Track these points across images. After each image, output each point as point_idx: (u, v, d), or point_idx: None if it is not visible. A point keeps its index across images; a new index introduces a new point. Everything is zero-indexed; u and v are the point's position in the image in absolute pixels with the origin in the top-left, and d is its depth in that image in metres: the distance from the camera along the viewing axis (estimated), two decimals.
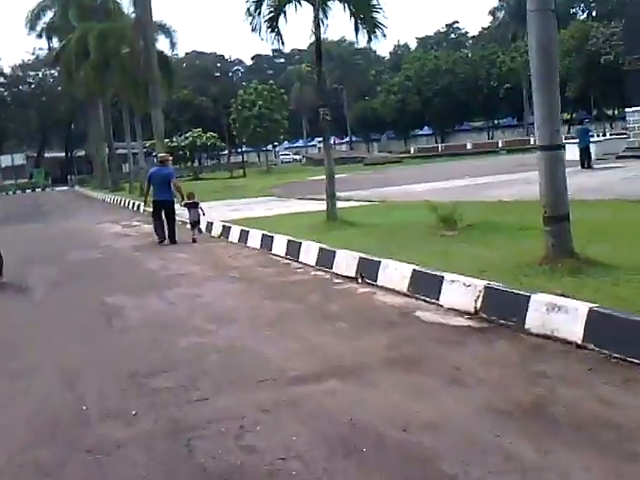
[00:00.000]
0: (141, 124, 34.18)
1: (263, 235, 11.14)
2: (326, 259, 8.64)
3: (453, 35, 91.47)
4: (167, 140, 36.99)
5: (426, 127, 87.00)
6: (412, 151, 69.84)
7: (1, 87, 73.56)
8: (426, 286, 6.40)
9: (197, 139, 55.80)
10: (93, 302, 7.74)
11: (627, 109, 28.80)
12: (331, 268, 8.41)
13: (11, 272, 10.65)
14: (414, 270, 6.71)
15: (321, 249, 8.91)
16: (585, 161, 24.10)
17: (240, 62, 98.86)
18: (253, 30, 11.84)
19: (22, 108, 72.30)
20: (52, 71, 69.20)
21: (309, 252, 9.20)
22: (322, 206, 17.10)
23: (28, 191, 61.00)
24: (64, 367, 5.30)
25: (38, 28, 46.77)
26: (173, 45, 31.26)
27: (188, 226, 13.54)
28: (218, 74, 69.40)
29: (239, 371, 4.84)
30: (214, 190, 30.75)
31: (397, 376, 4.49)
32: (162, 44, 30.98)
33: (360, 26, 11.91)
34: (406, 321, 5.80)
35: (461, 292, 5.96)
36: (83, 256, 12.10)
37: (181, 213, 13.88)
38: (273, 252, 10.44)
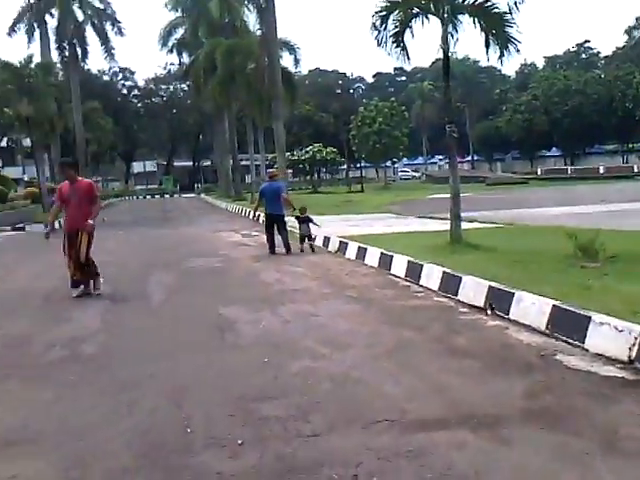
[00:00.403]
0: (264, 137, 34.95)
1: (382, 253, 10.66)
2: (450, 285, 8.01)
3: (584, 55, 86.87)
4: (288, 153, 37.60)
5: (554, 148, 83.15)
6: (539, 172, 66.81)
7: (135, 99, 78.48)
8: (569, 326, 5.63)
9: (317, 153, 56.61)
10: (208, 313, 7.59)
11: None
12: (455, 295, 7.78)
13: (133, 276, 10.93)
14: (555, 306, 5.94)
15: (445, 273, 8.28)
16: None
17: (361, 79, 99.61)
18: (379, 45, 11.46)
19: (154, 119, 76.81)
20: (182, 85, 73.05)
21: (431, 275, 8.60)
22: (444, 226, 16.43)
23: (157, 196, 64.44)
24: (174, 382, 5.08)
25: (170, 44, 49.40)
26: (297, 62, 31.77)
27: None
28: (339, 91, 70.04)
29: (354, 406, 4.37)
30: (332, 204, 30.75)
31: (538, 433, 3.83)
32: (286, 61, 31.49)
33: (491, 41, 11.18)
34: (546, 365, 5.08)
35: (612, 336, 5.16)
36: (202, 263, 12.19)
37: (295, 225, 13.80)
38: (392, 272, 9.93)
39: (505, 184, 54.74)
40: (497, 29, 11.14)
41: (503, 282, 7.24)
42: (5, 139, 63.59)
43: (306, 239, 13.51)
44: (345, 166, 69.33)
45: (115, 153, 73.94)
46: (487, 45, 11.26)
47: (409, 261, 9.48)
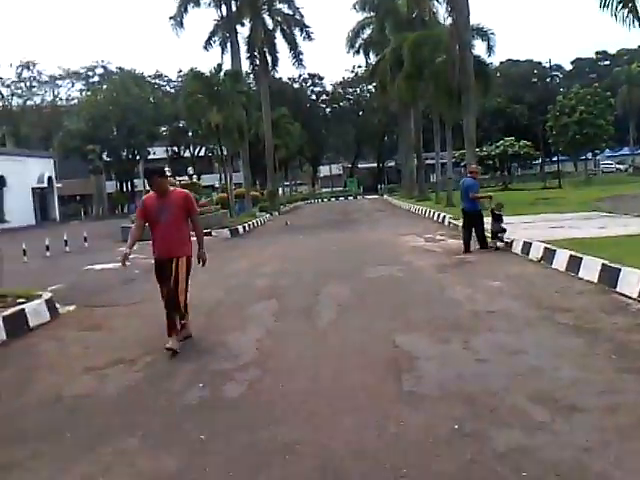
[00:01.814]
0: (452, 134, 32.91)
1: (603, 265, 8.44)
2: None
3: None
4: (477, 149, 35.06)
5: None
6: None
7: (323, 104, 79.88)
8: None
9: (509, 148, 52.92)
10: (383, 342, 6.17)
11: None
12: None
13: (305, 289, 9.89)
14: None
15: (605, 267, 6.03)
16: None
17: (558, 68, 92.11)
18: (602, 5, 9.24)
19: (340, 123, 77.60)
20: (369, 87, 72.87)
21: None
22: None
23: (341, 198, 64.83)
24: (323, 453, 3.72)
25: (357, 45, 49.04)
26: (490, 49, 29.02)
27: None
28: (535, 80, 65.05)
29: None
30: (526, 202, 27.85)
31: None
32: (478, 49, 29.14)
33: None
34: None
35: None
36: (381, 273, 10.83)
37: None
38: (618, 290, 7.73)
39: None
40: None
41: None
42: (204, 149, 68.60)
43: (499, 237, 13.23)
44: (539, 160, 64.34)
45: (303, 158, 76.02)
46: None
47: (604, 264, 7.25)
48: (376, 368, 5.35)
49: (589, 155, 66.17)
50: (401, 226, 22.11)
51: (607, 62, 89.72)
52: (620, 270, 7.90)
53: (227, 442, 4.01)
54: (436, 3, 37.83)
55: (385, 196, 59.29)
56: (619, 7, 9.20)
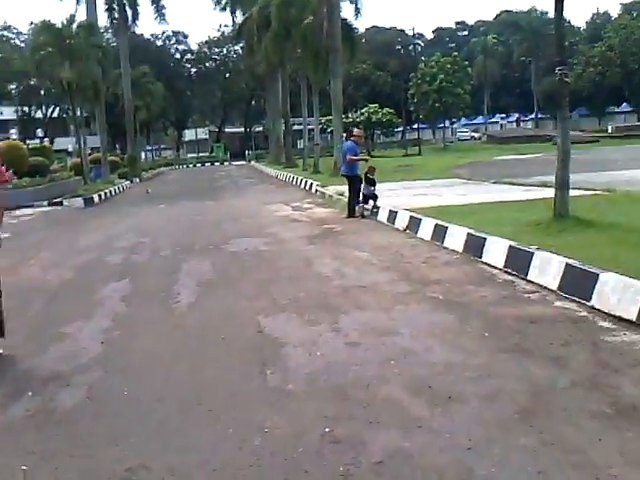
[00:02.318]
0: (318, 99, 32.65)
1: (468, 234, 8.42)
2: (578, 284, 5.77)
3: None
4: (342, 116, 35.14)
5: (625, 104, 77.51)
6: (609, 130, 62.23)
7: (188, 64, 76.74)
8: None
9: (373, 115, 53.84)
10: (246, 327, 5.61)
11: None
12: (588, 300, 5.54)
13: (163, 266, 9.08)
14: None
15: (569, 267, 6.03)
16: None
17: (420, 36, 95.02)
18: None
19: (207, 84, 75.00)
20: (236, 47, 70.82)
21: (546, 268, 6.36)
22: (531, 193, 14.00)
23: (207, 164, 63.09)
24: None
25: (223, 1, 47.19)
26: (358, 11, 28.78)
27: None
28: (399, 47, 66.45)
29: None
30: (390, 170, 28.32)
31: None
32: (346, 12, 28.85)
33: None
34: None
35: None
36: (245, 246, 10.24)
37: None
38: (484, 260, 7.71)
39: (574, 143, 50.66)
40: None
41: None
42: (58, 109, 63.42)
43: (370, 201, 13.07)
44: (401, 128, 66.20)
45: (167, 121, 72.82)
46: None
47: (510, 246, 7.23)
48: (238, 361, 4.78)
49: (447, 123, 69.16)
50: (268, 194, 21.60)
51: (465, 32, 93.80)
52: (485, 240, 7.88)
53: (55, 472, 3.28)
54: None
55: (253, 162, 58.39)
56: None
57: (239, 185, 28.86)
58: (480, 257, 7.82)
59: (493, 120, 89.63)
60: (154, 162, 61.58)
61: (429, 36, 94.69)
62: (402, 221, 11.07)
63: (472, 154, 42.37)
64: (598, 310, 5.37)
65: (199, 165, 63.62)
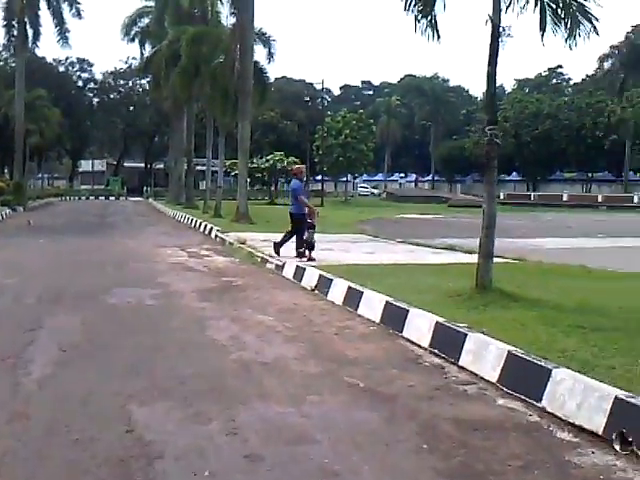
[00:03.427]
0: (225, 141, 31.57)
1: (387, 304, 7.45)
2: (524, 379, 4.87)
3: (554, 80, 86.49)
4: (248, 160, 34.20)
5: (514, 173, 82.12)
6: (501, 196, 65.19)
7: (91, 93, 73.70)
8: None
9: (278, 162, 53.24)
10: (112, 422, 4.22)
11: None
12: (538, 401, 4.63)
13: (22, 318, 7.45)
14: None
15: (511, 356, 5.14)
16: None
17: (328, 91, 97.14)
18: (405, 9, 8.39)
19: (108, 115, 72.16)
20: (142, 81, 68.82)
21: (483, 355, 5.44)
22: (441, 257, 13.44)
23: (102, 198, 59.93)
24: None
25: (132, 33, 45.56)
26: (271, 56, 28.09)
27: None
28: (308, 99, 67.03)
29: None
30: None
31: None
32: (258, 56, 28.16)
33: (552, 17, 8.18)
34: None
35: None
36: (128, 299, 8.74)
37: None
38: (406, 336, 6.74)
39: (468, 206, 53.05)
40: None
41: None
42: None
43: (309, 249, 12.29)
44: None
45: (62, 149, 68.94)
46: (543, 26, 8.20)
47: (438, 323, 6.30)
48: (98, 473, 3.42)
49: (349, 177, 70.07)
50: (163, 235, 20.01)
51: (371, 92, 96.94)
52: (407, 311, 6.93)
53: None
54: (219, 3, 36.30)
55: (151, 200, 56.01)
56: (419, 16, 8.36)
57: (133, 223, 26.92)
58: (401, 331, 6.85)
59: (392, 178, 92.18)
60: (44, 191, 57.65)
61: (336, 92, 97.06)
62: (310, 279, 10.00)
63: (374, 210, 42.63)
64: (551, 414, 4.47)
65: (93, 198, 60.28)
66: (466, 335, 5.76)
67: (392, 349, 6.32)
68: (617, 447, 3.91)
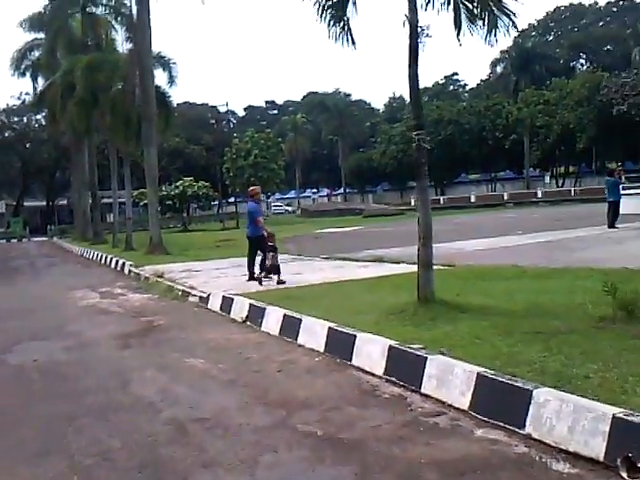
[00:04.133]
0: (130, 170, 30.13)
1: (330, 330, 6.80)
2: (500, 403, 4.35)
3: (452, 87, 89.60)
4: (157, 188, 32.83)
5: None
6: (412, 203, 66.31)
7: None
8: None
9: (188, 188, 51.82)
10: None
11: None
12: (520, 427, 4.11)
13: None
14: None
15: (482, 378, 4.61)
16: (613, 219, 19.79)
17: (233, 113, 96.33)
18: (320, 15, 7.87)
19: (4, 155, 68.16)
20: (37, 116, 65.51)
21: (448, 379, 4.89)
22: (370, 270, 12.97)
23: (2, 241, 56.19)
24: None
25: (22, 67, 43.03)
26: (172, 79, 27.09)
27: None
28: (213, 121, 65.98)
29: None
30: (210, 245, 26.54)
31: None
32: (159, 80, 27.08)
33: (467, 15, 7.87)
34: None
35: None
36: (35, 356, 7.62)
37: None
38: (356, 364, 6.11)
39: (382, 215, 53.75)
40: None
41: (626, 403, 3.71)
42: None
43: (275, 276, 11.82)
44: (217, 202, 64.87)
45: None
46: (458, 23, 7.87)
47: (391, 347, 5.71)
48: None
49: (262, 197, 69.47)
50: (72, 277, 18.56)
51: (275, 111, 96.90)
52: (354, 337, 6.31)
53: None
54: (114, 30, 34.87)
55: (55, 238, 53.03)
56: (332, 22, 7.86)
57: (37, 266, 25.02)
58: (350, 360, 6.22)
59: (305, 194, 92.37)
60: None
61: (241, 113, 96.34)
62: (240, 310, 9.21)
63: (290, 228, 41.98)
64: (539, 441, 3.96)
65: None
66: (426, 358, 5.20)
67: (344, 382, 5.67)
68: (624, 475, 3.43)
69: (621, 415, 3.58)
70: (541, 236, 19.07)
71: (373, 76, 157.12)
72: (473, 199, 64.14)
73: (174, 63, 27.56)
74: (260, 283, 11.69)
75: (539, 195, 59.12)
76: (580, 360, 5.09)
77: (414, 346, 5.66)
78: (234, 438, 4.44)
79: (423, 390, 5.10)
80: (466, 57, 57.23)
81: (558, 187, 64.72)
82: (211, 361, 6.76)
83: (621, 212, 20.28)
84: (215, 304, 10.26)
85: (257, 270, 12.46)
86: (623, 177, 24.13)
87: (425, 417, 4.62)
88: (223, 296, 10.16)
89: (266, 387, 5.68)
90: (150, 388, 5.90)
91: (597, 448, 3.60)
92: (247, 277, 12.58)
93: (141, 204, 45.53)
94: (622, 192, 21.44)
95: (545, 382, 4.46)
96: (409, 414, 4.72)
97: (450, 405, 4.74)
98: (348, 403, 5.06)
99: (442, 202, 64.94)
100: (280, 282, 11.58)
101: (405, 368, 5.40)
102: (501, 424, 4.26)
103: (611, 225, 19.75)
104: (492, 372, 4.62)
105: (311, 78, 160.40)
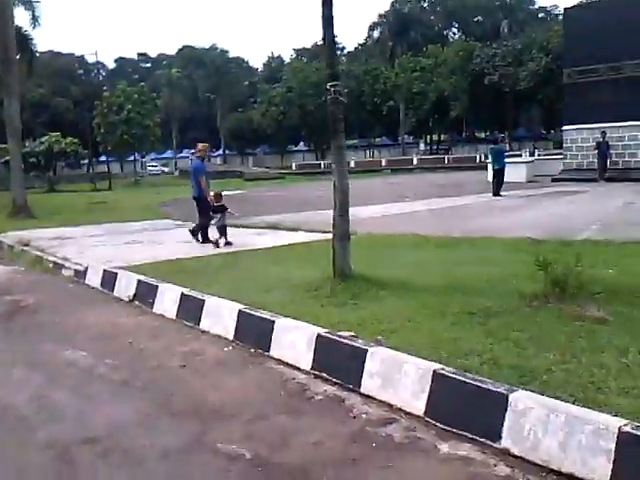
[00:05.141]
0: None
1: (241, 314, 5.85)
2: (465, 409, 3.68)
3: None
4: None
5: (302, 143, 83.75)
6: (293, 167, 65.72)
7: None
8: None
9: (55, 144, 47.65)
10: None
11: (564, 127, 26.30)
12: (495, 440, 3.44)
13: None
14: None
15: (439, 377, 3.90)
16: (498, 187, 20.42)
17: (102, 65, 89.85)
18: None
19: None
20: None
21: (392, 376, 4.14)
22: (267, 238, 12.05)
23: None
24: None
25: None
26: (35, 20, 23.99)
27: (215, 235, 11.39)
28: (81, 71, 61.04)
29: None
30: (82, 208, 24.29)
31: None
32: (20, 19, 23.97)
33: None
34: None
35: None
36: None
37: None
38: (276, 356, 5.23)
39: (263, 179, 52.91)
40: None
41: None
42: None
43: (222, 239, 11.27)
44: (87, 160, 60.66)
45: None
46: None
47: (320, 337, 4.88)
48: None
49: (137, 156, 65.83)
50: None
51: (148, 64, 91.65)
52: (273, 323, 5.41)
53: None
54: None
55: None
56: None
57: None
58: (267, 350, 5.32)
59: (182, 155, 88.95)
60: None
61: (111, 65, 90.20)
62: (127, 288, 7.98)
63: (171, 190, 39.86)
64: (521, 459, 3.31)
65: None
66: (365, 351, 4.42)
67: (265, 380, 4.78)
68: None
69: (628, 429, 2.98)
70: (430, 203, 19.03)
71: (250, 33, 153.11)
72: (352, 165, 64.58)
73: (37, 1, 24.48)
74: (217, 246, 11.07)
75: (414, 162, 60.61)
76: (533, 349, 4.56)
77: (344, 334, 4.88)
78: (138, 470, 3.44)
79: (363, 390, 4.33)
80: (344, 20, 56.98)
81: (432, 154, 66.66)
82: (96, 354, 5.61)
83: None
84: (94, 279, 8.91)
85: (213, 234, 11.59)
86: (507, 145, 24.81)
87: (373, 427, 3.85)
88: (104, 270, 8.83)
89: (170, 389, 4.67)
90: (20, 395, 4.69)
91: (600, 470, 3.00)
92: (200, 240, 11.81)
93: (2, 161, 41.27)
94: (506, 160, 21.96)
95: (506, 378, 3.87)
96: (353, 423, 3.93)
97: (400, 409, 4.01)
98: (275, 410, 4.19)
99: (323, 167, 64.92)
100: (228, 243, 11.17)
101: (338, 362, 4.60)
102: (468, 435, 3.59)
103: (496, 193, 20.14)
104: (451, 370, 3.93)
105: (186, 31, 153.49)
